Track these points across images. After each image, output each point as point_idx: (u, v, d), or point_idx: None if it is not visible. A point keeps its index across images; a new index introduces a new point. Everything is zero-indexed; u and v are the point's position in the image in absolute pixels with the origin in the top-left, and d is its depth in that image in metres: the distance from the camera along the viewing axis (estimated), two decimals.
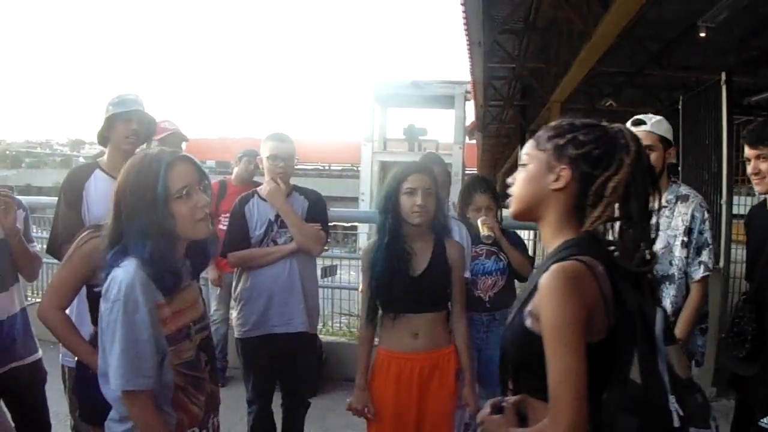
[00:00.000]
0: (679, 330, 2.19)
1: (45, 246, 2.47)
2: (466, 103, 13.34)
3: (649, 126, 2.28)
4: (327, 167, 32.91)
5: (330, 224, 2.83)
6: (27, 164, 50.16)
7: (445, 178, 2.79)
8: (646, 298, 1.15)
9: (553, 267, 1.09)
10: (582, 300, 1.06)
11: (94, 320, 1.69)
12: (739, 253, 4.09)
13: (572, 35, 7.17)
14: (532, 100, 12.04)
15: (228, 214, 2.74)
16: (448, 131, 14.11)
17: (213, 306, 4.01)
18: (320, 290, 3.11)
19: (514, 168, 1.34)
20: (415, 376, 2.12)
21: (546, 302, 1.07)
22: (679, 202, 2.33)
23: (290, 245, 2.56)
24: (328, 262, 5.15)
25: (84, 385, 1.83)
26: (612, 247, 1.18)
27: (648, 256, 1.15)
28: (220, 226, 3.20)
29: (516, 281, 2.82)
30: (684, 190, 2.37)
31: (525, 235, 3.41)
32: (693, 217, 2.28)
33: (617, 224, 1.18)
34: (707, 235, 2.31)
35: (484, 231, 2.60)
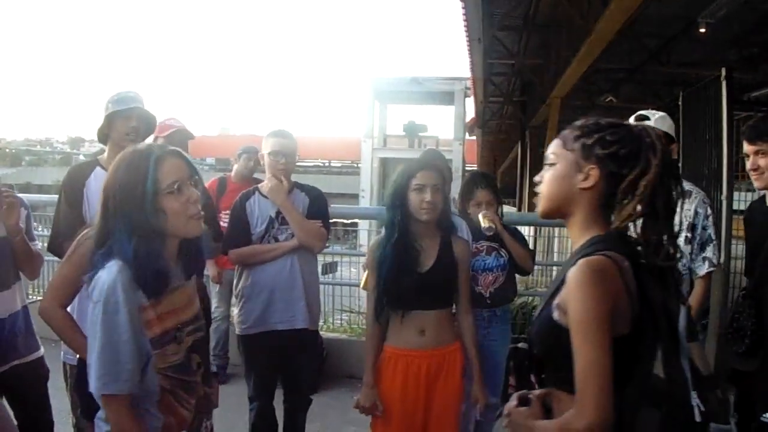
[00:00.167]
0: None
1: (46, 244, 2.47)
2: (466, 99, 13.28)
3: (653, 122, 2.28)
4: (327, 164, 32.92)
5: (330, 221, 2.83)
6: (27, 162, 50.22)
7: (446, 175, 2.79)
8: (670, 295, 1.17)
9: (581, 261, 1.12)
10: (607, 294, 1.08)
11: None
12: (739, 249, 4.09)
13: (572, 31, 7.16)
14: (532, 96, 12.04)
15: (228, 211, 2.74)
16: (448, 128, 14.06)
17: (214, 303, 4.01)
18: (321, 287, 3.11)
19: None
20: (422, 373, 2.12)
21: (573, 295, 1.10)
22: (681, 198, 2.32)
23: (291, 242, 2.56)
24: (328, 259, 5.15)
25: (85, 382, 1.81)
26: (637, 244, 1.20)
27: (672, 251, 1.17)
28: (221, 223, 3.20)
29: (517, 276, 2.82)
30: (686, 186, 2.37)
31: (525, 231, 3.41)
32: (696, 213, 2.28)
33: (639, 220, 1.19)
34: (711, 230, 2.31)
35: (485, 223, 2.59)
